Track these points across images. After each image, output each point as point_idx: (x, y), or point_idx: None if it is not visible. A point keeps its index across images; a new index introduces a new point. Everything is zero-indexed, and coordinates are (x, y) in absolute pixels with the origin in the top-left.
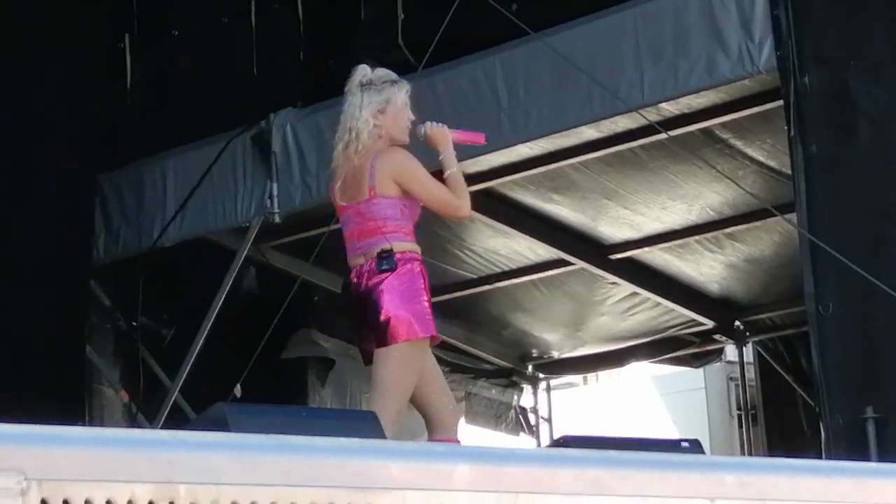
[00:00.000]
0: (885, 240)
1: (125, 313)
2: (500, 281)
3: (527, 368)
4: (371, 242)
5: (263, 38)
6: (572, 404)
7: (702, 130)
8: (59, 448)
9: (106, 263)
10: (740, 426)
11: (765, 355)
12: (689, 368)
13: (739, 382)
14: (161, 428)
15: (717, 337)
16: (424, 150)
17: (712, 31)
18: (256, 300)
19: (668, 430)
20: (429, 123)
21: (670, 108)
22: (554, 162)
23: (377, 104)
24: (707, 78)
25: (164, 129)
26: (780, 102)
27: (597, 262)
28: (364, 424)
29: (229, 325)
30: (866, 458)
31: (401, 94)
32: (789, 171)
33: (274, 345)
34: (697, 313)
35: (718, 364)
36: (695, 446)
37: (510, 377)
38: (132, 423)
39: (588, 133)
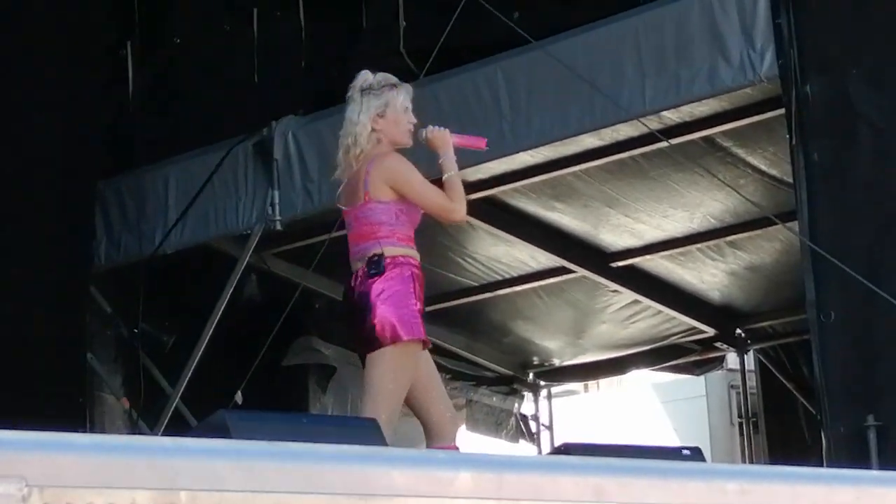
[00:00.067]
0: (887, 248)
1: (126, 320)
2: (501, 288)
3: (528, 376)
4: (365, 247)
5: (265, 46)
6: (573, 412)
7: (703, 139)
8: (60, 454)
9: (107, 270)
10: (741, 434)
11: (766, 363)
12: (690, 376)
13: (740, 390)
14: (162, 435)
15: (718, 345)
16: (427, 154)
17: (714, 39)
18: (258, 307)
19: (668, 438)
20: (430, 127)
21: (672, 117)
22: (555, 170)
23: (376, 108)
24: (708, 86)
25: (165, 136)
26: (782, 111)
27: (598, 269)
28: (365, 431)
29: (230, 333)
30: (867, 466)
31: (400, 97)
32: (790, 180)
33: (275, 352)
34: (698, 321)
35: (719, 372)
36: (696, 454)
37: (511, 384)
38: (133, 429)
39: (589, 141)
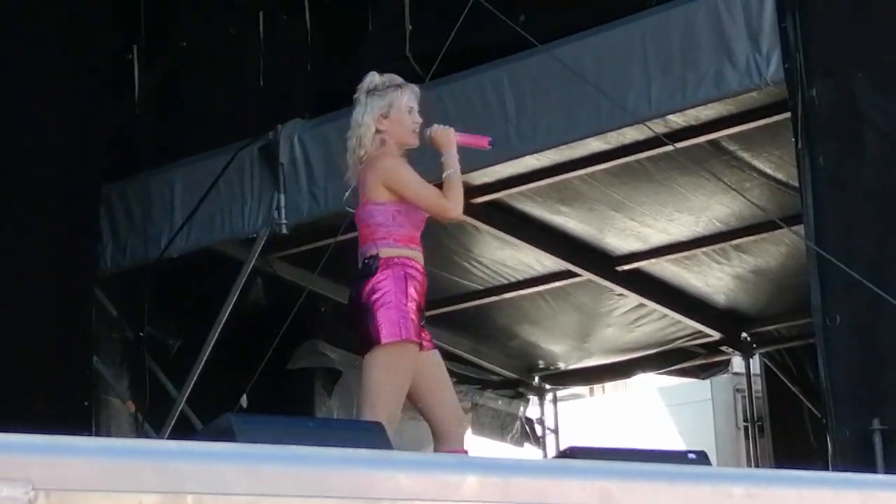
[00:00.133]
0: (893, 252)
1: (132, 324)
2: (506, 292)
3: (533, 379)
4: (364, 249)
5: (271, 50)
6: (578, 415)
7: (709, 142)
8: (66, 458)
9: (113, 274)
10: (747, 438)
11: (771, 367)
12: (695, 380)
13: (746, 394)
14: (168, 438)
15: (723, 349)
16: (434, 154)
17: (720, 43)
18: (263, 311)
19: (674, 442)
20: (435, 126)
21: (678, 120)
22: (561, 173)
23: (380, 109)
24: (714, 90)
25: (171, 139)
26: (788, 114)
27: (604, 273)
28: (371, 435)
29: (236, 336)
30: (873, 469)
31: (403, 97)
32: (796, 183)
33: (280, 355)
34: (704, 325)
35: (725, 376)
36: (701, 458)
37: (517, 388)
38: (139, 433)
39: (595, 145)
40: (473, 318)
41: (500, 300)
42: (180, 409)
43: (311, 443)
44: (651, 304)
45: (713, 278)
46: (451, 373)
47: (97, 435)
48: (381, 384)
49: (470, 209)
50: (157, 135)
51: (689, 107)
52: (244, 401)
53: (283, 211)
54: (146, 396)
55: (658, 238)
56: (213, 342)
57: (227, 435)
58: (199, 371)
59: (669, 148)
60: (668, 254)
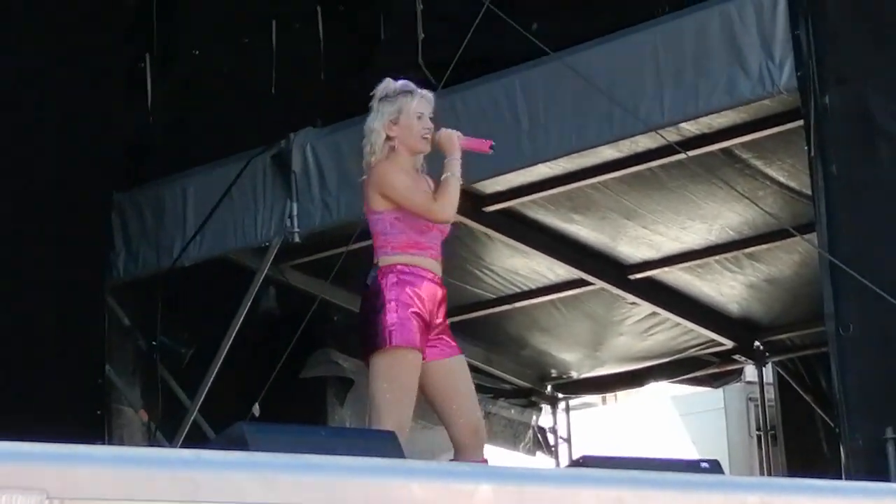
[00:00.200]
0: None
1: (145, 332)
2: (519, 301)
3: (546, 388)
4: (374, 259)
5: (283, 58)
6: (591, 424)
7: (722, 150)
8: (81, 467)
9: (126, 282)
10: (760, 447)
11: (784, 376)
12: (708, 389)
13: (759, 403)
14: (181, 447)
15: (736, 357)
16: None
17: (733, 51)
18: (276, 320)
19: (687, 451)
20: (442, 129)
21: (690, 129)
22: (574, 182)
23: (389, 115)
24: (727, 98)
25: (184, 148)
26: (801, 123)
27: (616, 282)
28: (383, 444)
29: (248, 345)
30: (886, 478)
31: (413, 103)
32: (809, 192)
33: (293, 364)
34: (717, 333)
35: (738, 384)
36: (714, 467)
37: (529, 397)
38: (151, 442)
39: (608, 153)
40: (486, 327)
41: (512, 309)
42: (193, 417)
43: (323, 452)
44: (664, 313)
45: (726, 287)
46: None
47: (110, 444)
48: (381, 392)
49: (482, 218)
50: (169, 143)
51: (701, 115)
52: (256, 409)
53: (295, 219)
54: (159, 405)
55: (671, 246)
56: (225, 351)
57: (239, 444)
58: (211, 380)
59: (682, 156)
60: (680, 262)
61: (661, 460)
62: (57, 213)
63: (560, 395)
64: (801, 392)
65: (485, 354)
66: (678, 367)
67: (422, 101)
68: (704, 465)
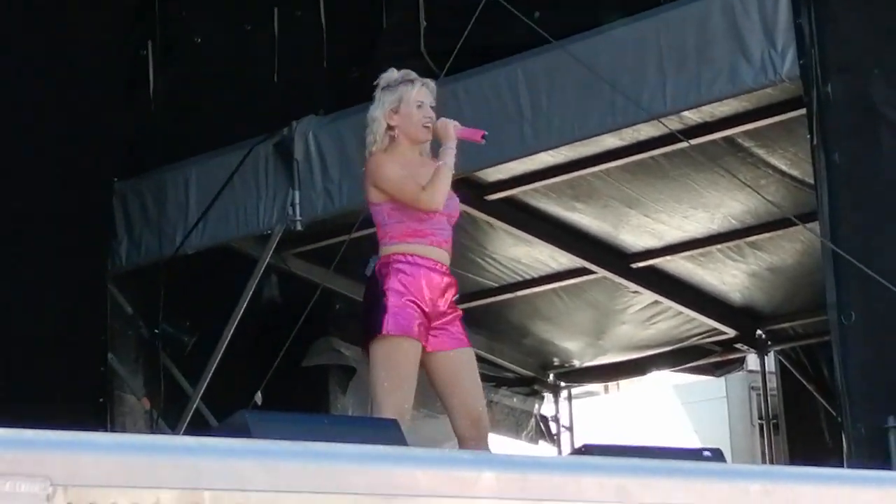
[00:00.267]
0: None
1: (147, 320)
2: (521, 289)
3: (548, 377)
4: None
5: (286, 46)
6: (593, 413)
7: (724, 139)
8: (84, 454)
9: (128, 270)
10: (762, 435)
11: (786, 364)
12: (710, 377)
13: (761, 392)
14: (183, 435)
15: (738, 346)
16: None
17: (735, 39)
18: (278, 308)
19: (689, 439)
20: (440, 119)
21: (692, 117)
22: (576, 170)
23: (390, 104)
24: (729, 86)
25: (186, 136)
26: (803, 111)
27: (618, 270)
28: (386, 432)
29: (251, 333)
30: (888, 467)
31: (413, 91)
32: (811, 180)
33: (295, 352)
34: (719, 322)
35: (740, 373)
36: (717, 455)
37: (531, 386)
38: (153, 430)
39: (610, 141)
40: (488, 316)
41: (514, 297)
42: (195, 405)
43: (325, 439)
44: (666, 302)
45: (728, 275)
46: None
47: (112, 432)
48: (378, 381)
49: (484, 206)
50: (171, 131)
51: (703, 103)
52: (259, 398)
53: (297, 207)
54: (161, 393)
55: (673, 235)
56: (227, 339)
57: (242, 432)
58: (213, 368)
59: (684, 144)
60: (683, 251)
61: (663, 449)
62: (59, 201)
63: (562, 384)
64: (803, 381)
65: (487, 343)
66: (680, 356)
67: (422, 90)
68: (706, 453)
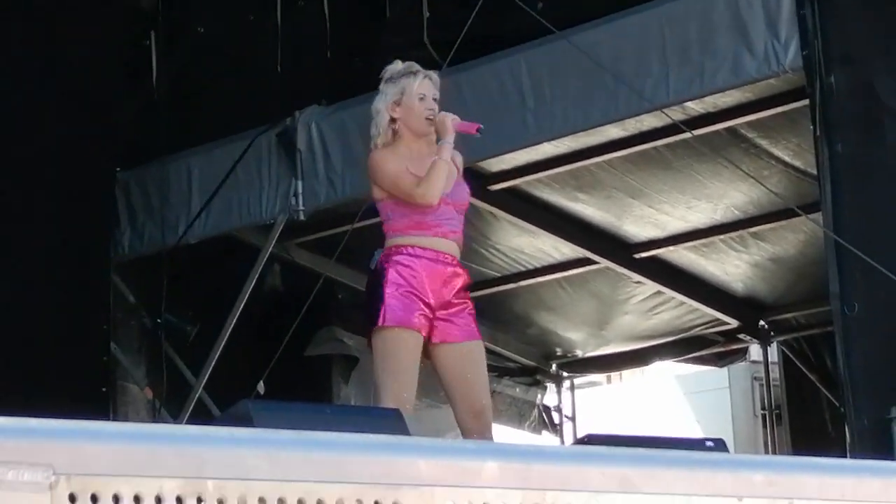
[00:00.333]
0: None
1: (150, 310)
2: (524, 279)
3: (551, 367)
4: None
5: (289, 36)
6: (596, 403)
7: (727, 130)
8: (87, 443)
9: (131, 260)
10: (764, 426)
11: (789, 355)
12: (713, 368)
13: (764, 382)
14: (186, 424)
15: (741, 336)
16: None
17: (738, 30)
18: (280, 297)
19: (691, 430)
20: (440, 113)
21: (696, 108)
22: (579, 160)
23: (392, 96)
24: (733, 77)
25: (189, 125)
26: (806, 102)
27: (621, 260)
28: (388, 421)
29: (253, 323)
30: (891, 458)
31: (415, 84)
32: (814, 171)
33: (298, 342)
34: (722, 313)
35: (743, 363)
36: (719, 445)
37: (534, 376)
38: (156, 419)
39: (613, 132)
40: (490, 306)
41: (517, 287)
42: (198, 395)
43: (328, 429)
44: (669, 292)
45: (731, 266)
46: None
47: (115, 421)
48: (378, 371)
49: (487, 196)
50: (174, 121)
51: (706, 94)
52: (261, 387)
53: (300, 197)
54: (164, 383)
55: (676, 225)
56: (230, 329)
57: (244, 421)
58: (216, 357)
59: (687, 135)
60: (685, 241)
61: (666, 439)
62: (62, 191)
63: (565, 374)
64: (806, 371)
65: (490, 333)
66: (683, 346)
67: (425, 82)
68: (709, 443)
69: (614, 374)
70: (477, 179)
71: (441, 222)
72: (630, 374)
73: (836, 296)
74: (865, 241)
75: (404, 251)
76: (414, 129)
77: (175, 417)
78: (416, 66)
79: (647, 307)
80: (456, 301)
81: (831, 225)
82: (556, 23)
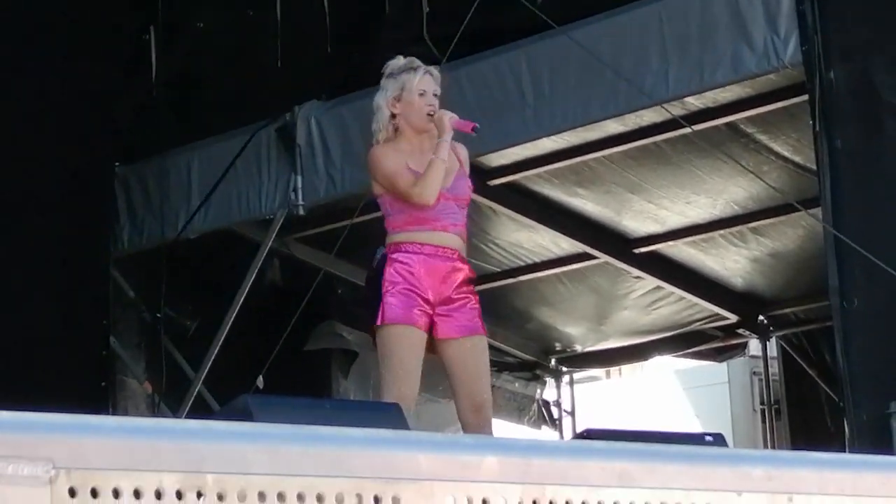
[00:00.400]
0: None
1: (149, 304)
2: (523, 274)
3: (550, 362)
4: None
5: (288, 31)
6: (595, 398)
7: (727, 125)
8: (87, 437)
9: (130, 255)
10: (763, 421)
11: (788, 350)
12: (712, 363)
13: (763, 377)
14: (185, 419)
15: (740, 331)
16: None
17: (738, 25)
18: (280, 292)
19: (690, 425)
20: (439, 111)
21: (695, 103)
22: (578, 156)
23: (392, 92)
24: (732, 72)
25: (188, 120)
26: (806, 97)
27: (621, 255)
28: (388, 416)
29: (253, 317)
30: (890, 453)
31: (415, 79)
32: (814, 166)
33: (297, 337)
34: (721, 308)
35: (742, 358)
36: (718, 440)
37: (533, 370)
38: (155, 414)
39: (613, 127)
40: (490, 301)
41: (516, 282)
42: (197, 390)
43: (327, 423)
44: (668, 287)
45: (730, 261)
46: None
47: (114, 416)
48: (381, 367)
49: (486, 191)
50: (174, 116)
51: (706, 89)
52: (260, 382)
53: (299, 192)
54: (163, 377)
55: (675, 220)
56: (229, 323)
57: (244, 416)
58: (215, 352)
59: (687, 130)
60: (685, 236)
61: (665, 434)
62: (61, 185)
63: (564, 369)
64: (805, 366)
65: (489, 328)
66: (682, 341)
67: (425, 78)
68: (708, 438)
69: (613, 369)
70: (476, 174)
71: (440, 216)
72: (629, 369)
73: (836, 291)
74: (865, 237)
75: (403, 248)
76: (414, 125)
77: (174, 412)
78: (417, 62)
79: (647, 302)
80: (456, 296)
81: (830, 220)
82: (555, 18)
